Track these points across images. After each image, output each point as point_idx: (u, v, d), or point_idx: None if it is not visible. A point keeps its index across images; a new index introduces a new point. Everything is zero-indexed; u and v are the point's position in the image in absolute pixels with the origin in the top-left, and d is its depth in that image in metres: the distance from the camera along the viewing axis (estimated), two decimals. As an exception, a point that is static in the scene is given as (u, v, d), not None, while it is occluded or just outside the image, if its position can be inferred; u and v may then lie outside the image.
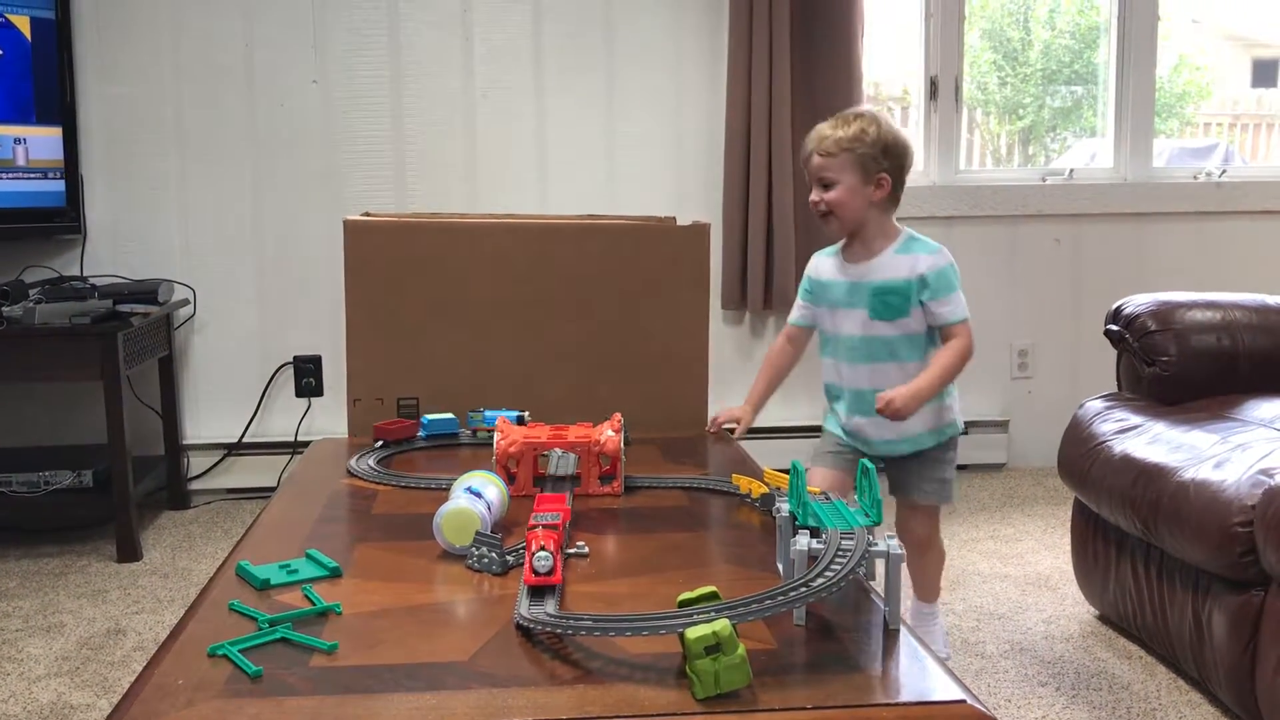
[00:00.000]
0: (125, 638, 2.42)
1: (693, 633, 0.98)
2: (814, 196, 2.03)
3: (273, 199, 3.44)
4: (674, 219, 2.31)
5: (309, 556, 1.36)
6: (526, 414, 1.96)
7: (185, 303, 3.39)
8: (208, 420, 3.49)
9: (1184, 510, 1.95)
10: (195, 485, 3.46)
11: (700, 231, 2.27)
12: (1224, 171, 3.74)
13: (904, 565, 1.14)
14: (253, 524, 1.58)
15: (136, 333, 2.99)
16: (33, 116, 3.16)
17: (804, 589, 1.07)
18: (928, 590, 2.24)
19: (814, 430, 2.37)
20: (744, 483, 1.62)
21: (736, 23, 3.33)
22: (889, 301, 2.01)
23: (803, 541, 1.14)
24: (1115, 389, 2.56)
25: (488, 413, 2.01)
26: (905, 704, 1.00)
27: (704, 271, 2.27)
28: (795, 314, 2.18)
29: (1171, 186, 3.70)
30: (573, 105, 3.47)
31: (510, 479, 1.64)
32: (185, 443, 3.44)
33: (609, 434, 1.67)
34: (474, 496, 1.43)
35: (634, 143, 3.50)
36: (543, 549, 1.18)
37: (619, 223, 2.34)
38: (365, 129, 3.43)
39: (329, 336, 3.38)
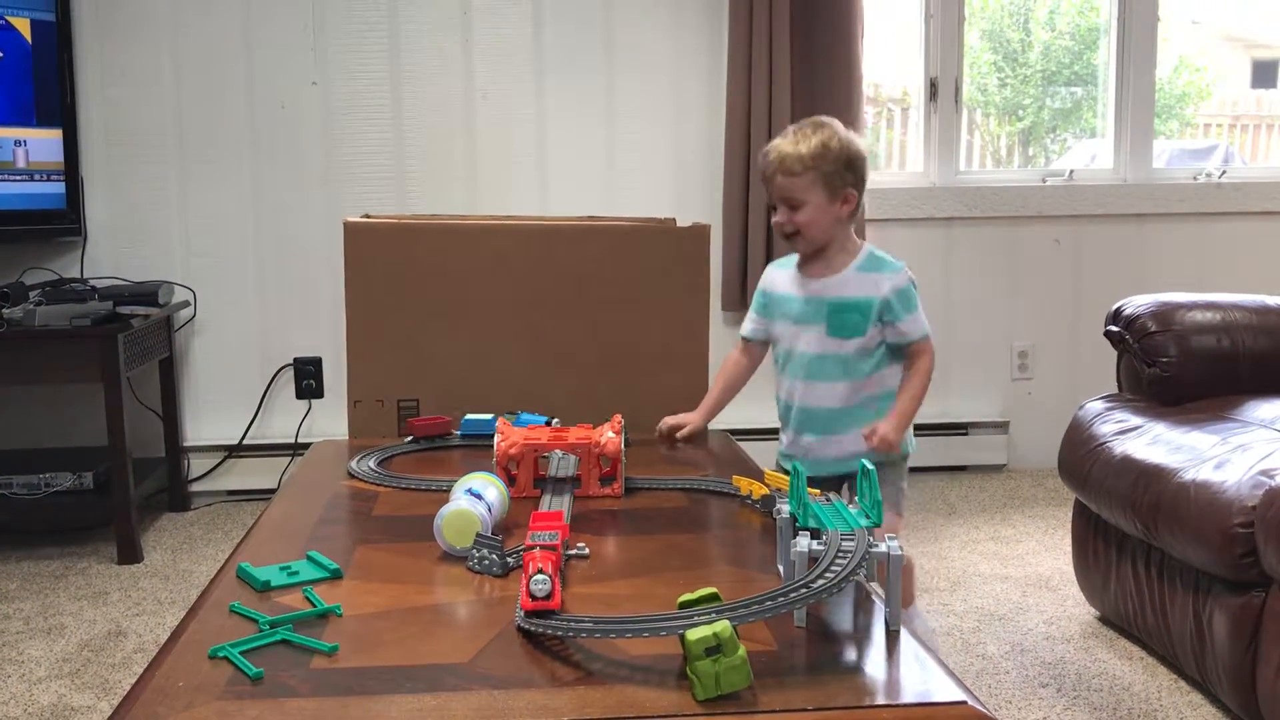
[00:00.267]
0: (126, 639, 2.42)
1: (693, 634, 0.98)
2: (779, 218, 1.97)
3: (273, 201, 3.44)
4: (674, 220, 2.32)
5: (309, 558, 1.36)
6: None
7: (185, 304, 3.39)
8: (208, 422, 3.49)
9: (1184, 511, 1.95)
10: (196, 487, 3.46)
11: (700, 233, 2.27)
12: (1224, 172, 3.74)
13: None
14: (253, 526, 1.58)
15: (137, 334, 2.99)
16: (33, 118, 3.16)
17: (804, 590, 1.07)
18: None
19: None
20: (744, 484, 1.62)
21: (736, 24, 3.33)
22: (848, 320, 1.96)
23: (803, 543, 1.14)
24: (1115, 390, 2.56)
25: (523, 415, 1.99)
26: (906, 705, 1.00)
27: (704, 273, 2.27)
28: (748, 327, 2.11)
29: (1171, 187, 3.70)
30: (573, 106, 3.48)
31: (510, 480, 1.64)
32: (186, 444, 3.44)
33: (609, 435, 1.67)
34: (474, 498, 1.43)
35: (634, 144, 3.50)
36: (540, 572, 1.13)
37: (619, 224, 2.34)
38: (365, 130, 3.43)
39: (329, 338, 3.38)
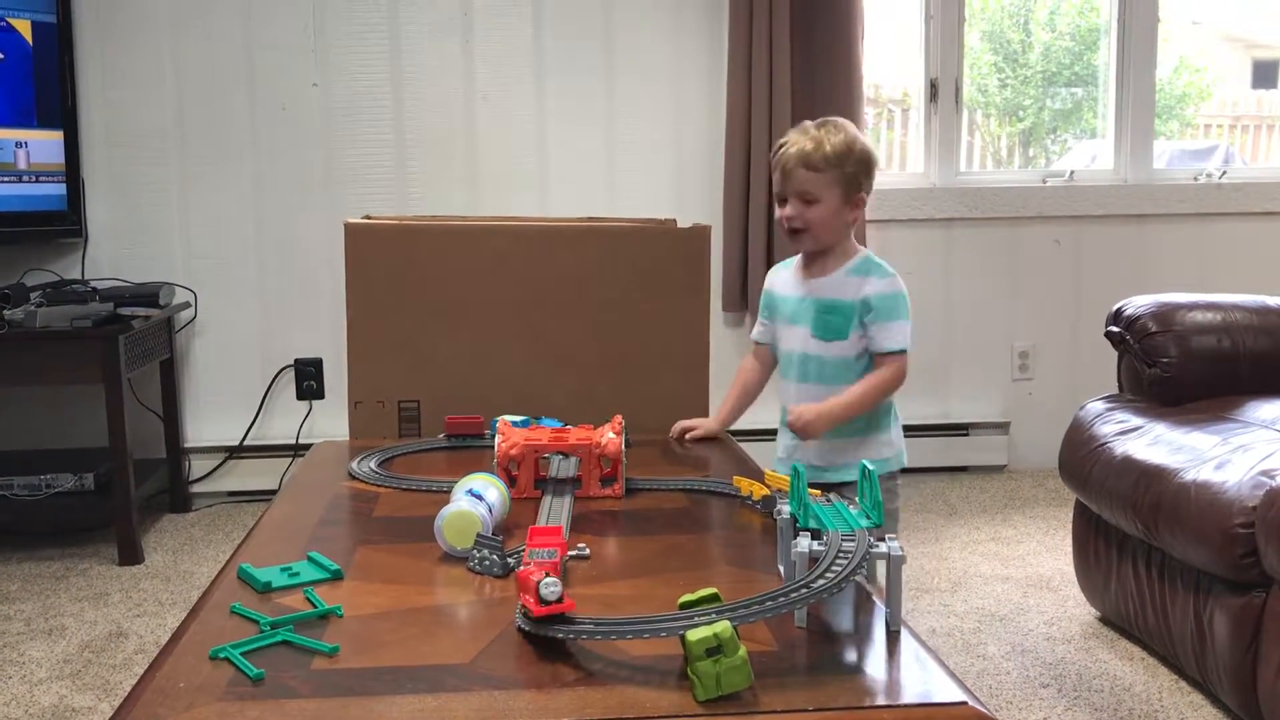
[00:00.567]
0: (127, 640, 2.43)
1: (694, 635, 0.98)
2: (789, 212, 1.93)
3: (273, 202, 3.44)
4: (674, 221, 2.32)
5: (310, 559, 1.36)
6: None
7: (186, 306, 3.39)
8: (209, 423, 3.49)
9: (1185, 512, 1.95)
10: (196, 488, 3.46)
11: (701, 234, 2.27)
12: (1224, 173, 3.74)
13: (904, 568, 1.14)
14: (254, 527, 1.58)
15: (138, 336, 3.00)
16: (34, 120, 3.16)
17: (805, 590, 1.07)
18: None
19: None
20: (745, 485, 1.62)
21: (736, 25, 3.33)
22: (830, 321, 1.94)
23: (804, 543, 1.14)
24: (1116, 390, 2.56)
25: (544, 420, 1.98)
26: (907, 706, 1.00)
27: (704, 274, 2.27)
28: (756, 330, 2.11)
29: (1172, 188, 3.70)
30: (573, 107, 3.48)
31: (511, 481, 1.64)
32: (186, 445, 3.44)
33: (610, 436, 1.67)
34: (475, 499, 1.43)
35: (634, 145, 3.50)
36: (548, 575, 1.10)
37: (619, 225, 2.34)
38: (366, 132, 3.43)
39: (330, 339, 3.38)
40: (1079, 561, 2.47)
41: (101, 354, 2.85)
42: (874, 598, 1.22)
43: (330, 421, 3.46)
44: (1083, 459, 2.33)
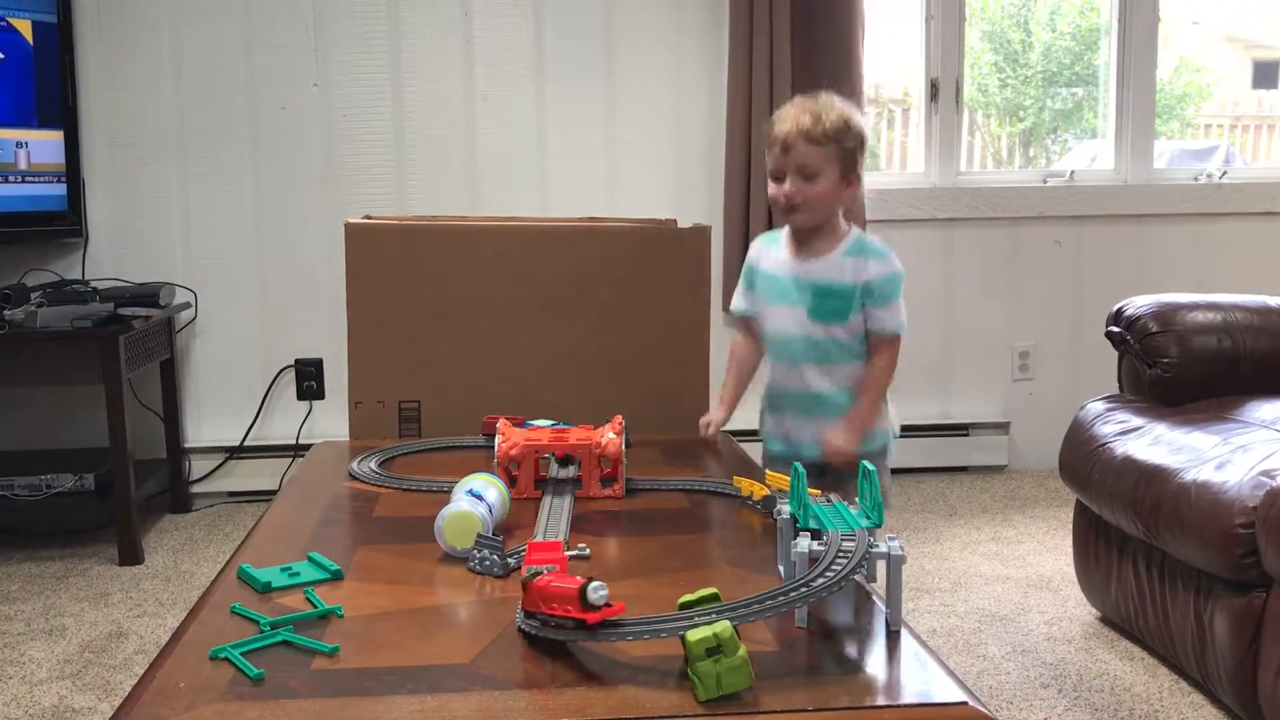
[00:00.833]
0: (127, 641, 2.43)
1: (694, 635, 0.98)
2: (789, 187, 1.90)
3: (274, 202, 3.44)
4: (675, 221, 2.32)
5: (310, 559, 1.36)
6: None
7: (186, 306, 3.39)
8: (209, 423, 3.49)
9: (1185, 512, 1.95)
10: (197, 488, 3.46)
11: (701, 233, 2.27)
12: (1224, 173, 3.74)
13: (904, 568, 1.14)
14: (254, 527, 1.58)
15: (138, 336, 3.00)
16: (34, 120, 3.16)
17: (804, 590, 1.07)
18: None
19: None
20: (745, 485, 1.62)
21: (737, 25, 3.33)
22: (829, 304, 1.92)
23: (804, 543, 1.14)
24: (1116, 390, 2.56)
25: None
26: (907, 706, 1.00)
27: (705, 274, 2.27)
28: (739, 303, 2.06)
29: (1172, 188, 3.70)
30: (573, 107, 3.48)
31: (511, 481, 1.64)
32: (187, 446, 3.44)
33: (610, 436, 1.67)
34: (475, 499, 1.43)
35: (635, 145, 3.50)
36: (592, 579, 1.07)
37: (620, 225, 2.34)
38: (366, 132, 3.43)
39: (330, 339, 3.38)
40: (1079, 562, 2.47)
41: (102, 354, 2.85)
42: (874, 598, 1.22)
43: (330, 422, 3.46)
44: (1083, 459, 2.32)
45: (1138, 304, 2.50)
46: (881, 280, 1.91)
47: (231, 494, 3.47)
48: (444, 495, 1.53)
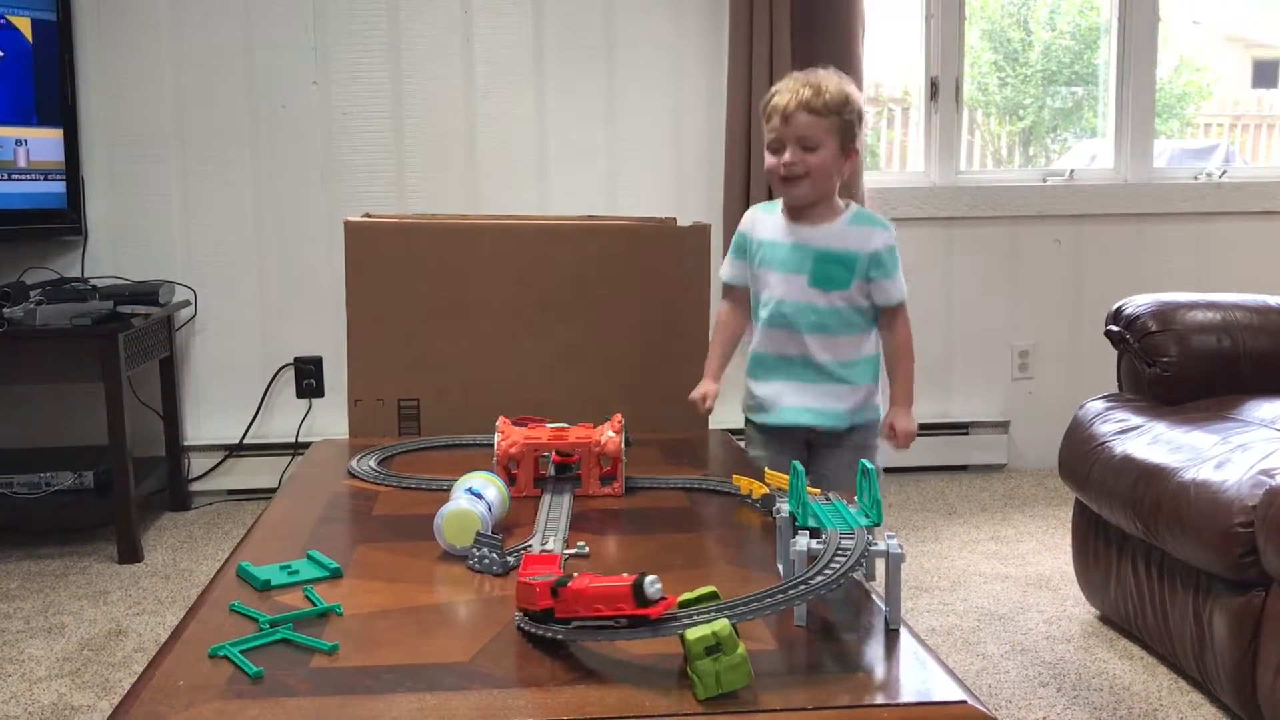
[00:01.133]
0: (126, 639, 2.43)
1: (693, 633, 0.98)
2: (790, 158, 1.90)
3: (273, 200, 3.44)
4: (674, 220, 2.32)
5: (310, 557, 1.36)
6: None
7: (186, 304, 3.39)
8: (208, 421, 3.49)
9: (1185, 511, 1.95)
10: (196, 486, 3.46)
11: (701, 232, 2.27)
12: (1224, 172, 3.74)
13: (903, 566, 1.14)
14: (253, 525, 1.58)
15: (137, 334, 3.00)
16: (34, 118, 3.16)
17: (803, 588, 1.07)
18: None
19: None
20: (744, 483, 1.62)
21: (736, 23, 3.33)
22: (832, 272, 1.93)
23: (802, 542, 1.14)
24: (1116, 390, 2.56)
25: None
26: (906, 704, 1.00)
27: (704, 272, 2.27)
28: (728, 271, 2.06)
29: (1172, 187, 3.70)
30: (573, 106, 3.48)
31: (511, 480, 1.64)
32: (186, 444, 3.44)
33: (609, 434, 1.67)
34: (474, 497, 1.43)
35: (634, 143, 3.50)
36: (644, 574, 1.04)
37: (619, 223, 2.34)
38: (366, 130, 3.43)
39: (330, 337, 3.38)
40: (1078, 560, 2.47)
41: (101, 352, 2.85)
42: (873, 596, 1.22)
43: (330, 420, 3.46)
44: (1082, 458, 2.33)
45: (1137, 303, 2.50)
46: (887, 251, 1.94)
47: (231, 492, 3.47)
48: (443, 493, 1.53)
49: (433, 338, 2.19)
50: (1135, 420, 2.30)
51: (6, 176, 3.11)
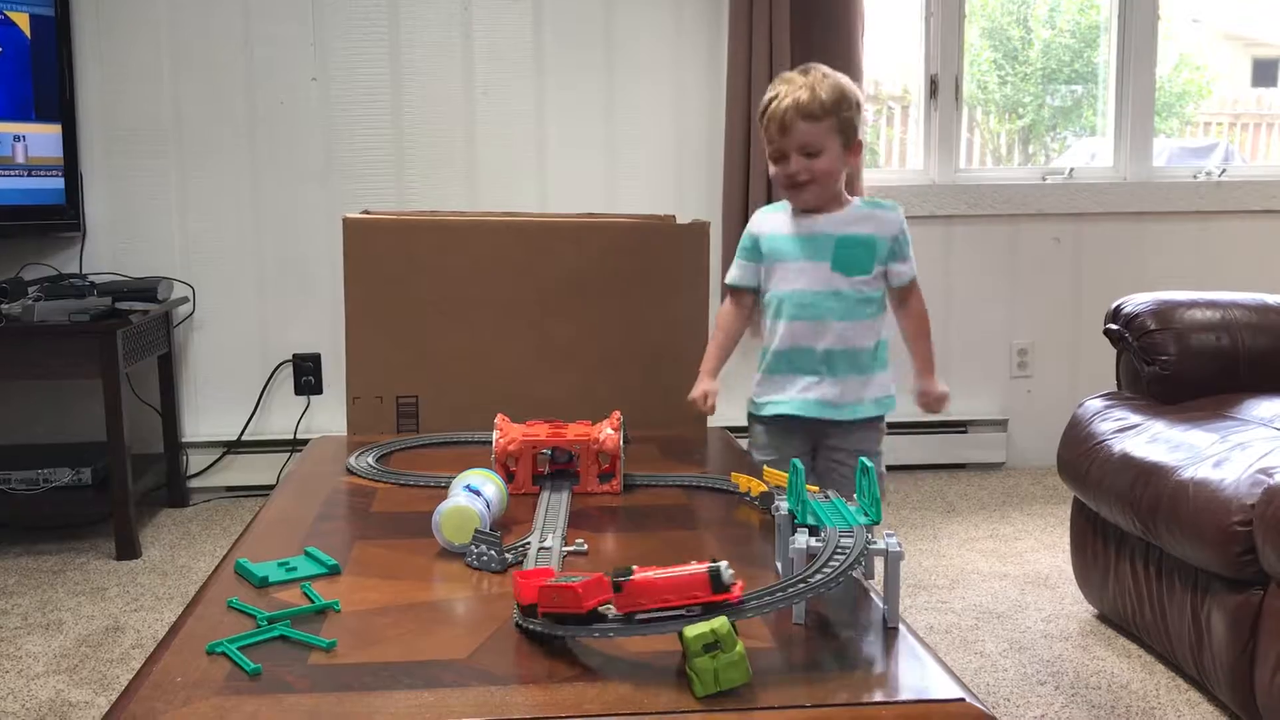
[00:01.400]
0: (124, 635, 2.42)
1: (691, 631, 0.98)
2: (794, 168, 1.89)
3: (272, 196, 3.44)
4: (674, 217, 2.31)
5: (308, 554, 1.36)
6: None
7: (184, 300, 3.39)
8: (207, 418, 3.49)
9: (1183, 509, 1.95)
10: (194, 483, 3.46)
11: (700, 230, 2.27)
12: (1224, 171, 3.74)
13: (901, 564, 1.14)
14: (251, 522, 1.58)
15: (135, 330, 2.99)
16: (32, 114, 3.16)
17: (802, 586, 1.07)
18: None
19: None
20: (743, 481, 1.62)
21: (736, 21, 3.32)
22: (855, 255, 1.92)
23: (801, 539, 1.14)
24: (1115, 388, 2.56)
25: None
26: (904, 702, 1.00)
27: (703, 270, 2.27)
28: (736, 274, 2.03)
29: (1171, 186, 3.70)
30: (573, 103, 3.47)
31: (509, 477, 1.64)
32: (184, 440, 3.44)
33: (608, 432, 1.66)
34: (473, 494, 1.43)
35: (634, 141, 3.50)
36: (715, 560, 1.03)
37: (619, 221, 2.34)
38: (365, 126, 3.43)
39: (328, 334, 3.38)
40: (1077, 559, 2.47)
41: (99, 349, 2.85)
42: (872, 594, 1.22)
43: (328, 417, 3.45)
44: (1081, 456, 2.33)
45: (1136, 301, 2.50)
46: (903, 234, 1.96)
47: (229, 489, 3.47)
48: (442, 490, 1.53)
49: (431, 335, 2.19)
50: (1134, 419, 2.30)
51: (5, 172, 3.10)
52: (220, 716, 0.96)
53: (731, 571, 1.03)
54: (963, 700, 0.99)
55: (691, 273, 2.25)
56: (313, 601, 1.21)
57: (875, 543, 1.15)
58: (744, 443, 2.11)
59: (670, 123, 3.51)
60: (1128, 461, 2.16)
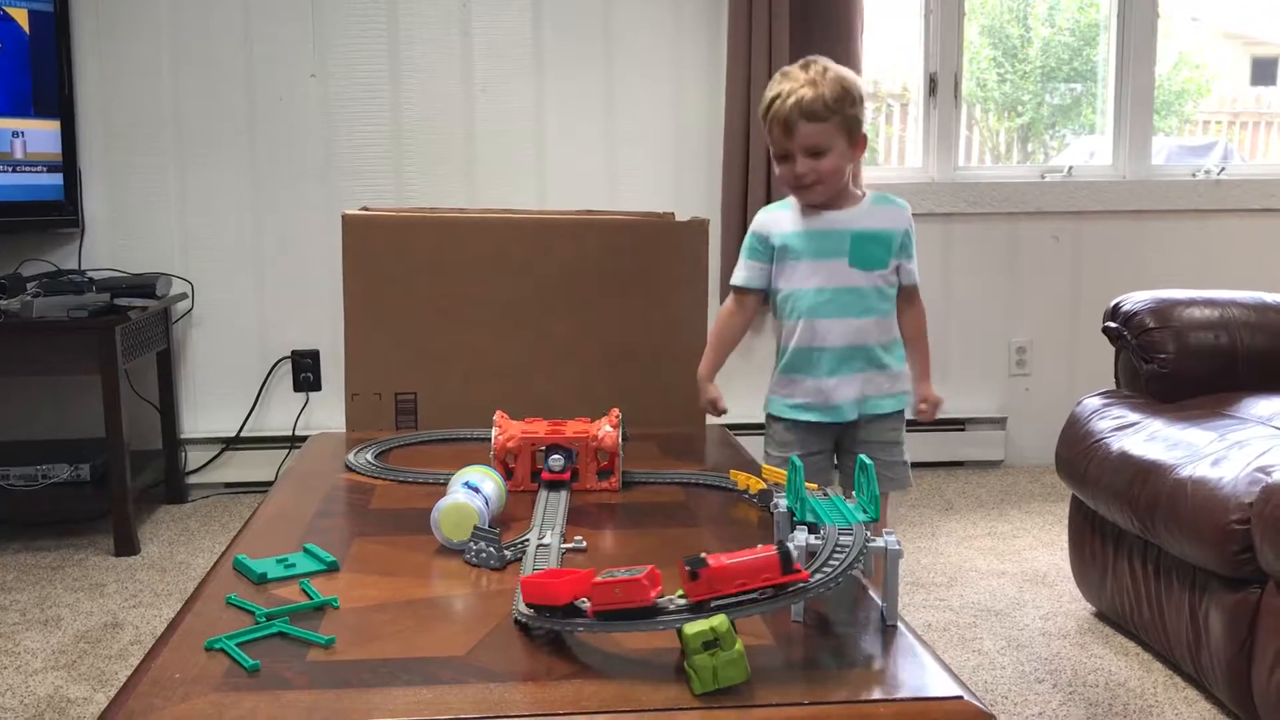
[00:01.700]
0: (122, 631, 2.42)
1: (691, 628, 0.98)
2: (801, 169, 1.86)
3: (271, 193, 3.43)
4: (673, 214, 2.31)
5: (306, 551, 1.36)
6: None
7: (183, 297, 3.39)
8: (205, 414, 3.49)
9: (1181, 508, 1.95)
10: (193, 479, 3.46)
11: (699, 227, 2.27)
12: (1223, 169, 3.74)
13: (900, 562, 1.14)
14: (250, 518, 1.58)
15: (134, 326, 2.99)
16: (31, 110, 3.16)
17: (801, 584, 1.07)
18: None
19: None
20: (742, 478, 1.62)
21: (736, 18, 3.32)
22: (871, 250, 1.91)
23: (800, 537, 1.14)
24: (1113, 386, 2.56)
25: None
26: (902, 700, 1.00)
27: (703, 267, 2.27)
28: (743, 275, 1.99)
29: (1170, 184, 3.70)
30: (572, 100, 3.47)
31: (508, 474, 1.64)
32: (183, 437, 3.44)
33: (607, 429, 1.66)
34: (472, 491, 1.43)
35: (633, 138, 3.50)
36: (780, 540, 1.04)
37: (618, 218, 2.34)
38: (364, 123, 3.43)
39: (327, 331, 3.38)
40: (1075, 557, 2.47)
41: (98, 345, 2.85)
42: (870, 592, 1.22)
43: (327, 414, 3.45)
44: (1079, 455, 2.33)
45: (1135, 300, 2.50)
46: (912, 231, 1.97)
47: (227, 485, 3.47)
48: (440, 487, 1.53)
49: (430, 332, 2.19)
50: (1132, 417, 2.31)
51: (3, 168, 3.10)
52: (219, 713, 0.96)
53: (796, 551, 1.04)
54: (960, 698, 0.99)
55: (691, 270, 2.25)
56: (311, 598, 1.21)
57: (874, 540, 1.15)
58: (755, 438, 2.10)
59: (670, 119, 3.51)
60: (1126, 460, 2.16)
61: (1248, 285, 2.66)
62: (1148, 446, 2.15)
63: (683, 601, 1.03)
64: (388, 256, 2.19)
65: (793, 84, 1.87)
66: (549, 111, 3.47)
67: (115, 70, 3.34)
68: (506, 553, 1.33)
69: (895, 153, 3.88)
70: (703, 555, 1.04)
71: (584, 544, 1.39)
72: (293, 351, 3.49)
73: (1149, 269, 3.61)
